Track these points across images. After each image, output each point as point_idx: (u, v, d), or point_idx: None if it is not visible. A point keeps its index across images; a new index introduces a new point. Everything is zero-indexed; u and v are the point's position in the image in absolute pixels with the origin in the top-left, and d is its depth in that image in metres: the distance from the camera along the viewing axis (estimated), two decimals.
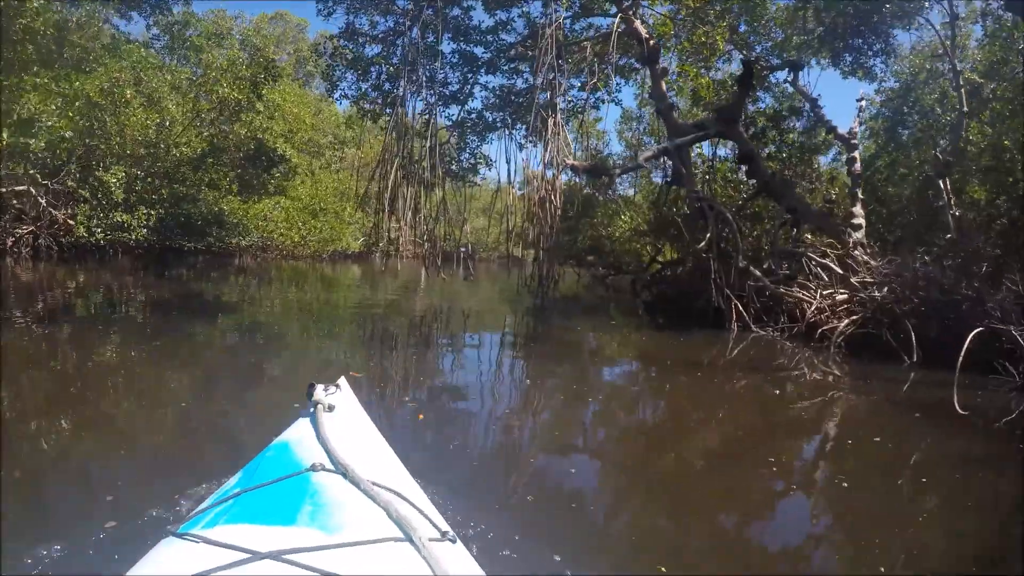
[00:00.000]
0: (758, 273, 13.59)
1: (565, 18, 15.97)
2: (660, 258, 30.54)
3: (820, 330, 10.79)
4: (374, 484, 1.78)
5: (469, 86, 17.65)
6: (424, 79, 14.93)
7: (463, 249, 14.64)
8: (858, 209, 15.44)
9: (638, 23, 15.91)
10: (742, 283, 13.07)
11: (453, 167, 17.25)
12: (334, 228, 30.26)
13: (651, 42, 15.52)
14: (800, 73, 18.34)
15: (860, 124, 18.48)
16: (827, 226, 15.07)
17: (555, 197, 14.12)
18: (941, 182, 15.55)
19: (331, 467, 1.86)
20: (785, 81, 19.42)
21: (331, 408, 2.38)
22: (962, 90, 17.20)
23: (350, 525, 1.58)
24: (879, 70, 18.50)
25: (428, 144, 14.23)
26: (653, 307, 17.47)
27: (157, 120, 20.37)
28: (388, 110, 17.08)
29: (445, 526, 1.77)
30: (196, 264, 22.56)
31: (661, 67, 17.00)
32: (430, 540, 1.56)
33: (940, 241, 14.22)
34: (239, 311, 12.26)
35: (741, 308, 12.47)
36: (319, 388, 2.53)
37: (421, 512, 1.80)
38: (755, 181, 17.24)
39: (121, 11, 18.85)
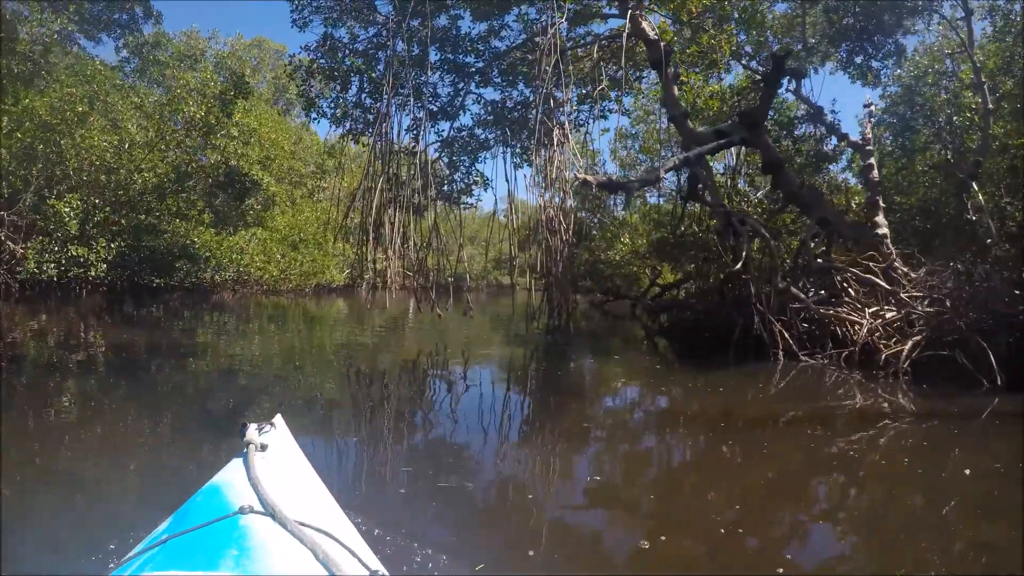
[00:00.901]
0: (800, 294, 12.11)
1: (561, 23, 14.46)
2: (660, 280, 29.30)
3: (883, 355, 9.71)
4: (302, 525, 1.80)
5: (460, 98, 16.01)
6: (411, 90, 13.23)
7: (458, 280, 12.79)
8: (881, 219, 14.19)
9: (646, 24, 14.38)
10: (782, 305, 11.77)
11: (445, 188, 15.49)
12: (316, 260, 28.33)
13: (661, 44, 13.94)
14: (802, 82, 17.15)
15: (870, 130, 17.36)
16: (864, 237, 13.82)
17: (564, 217, 12.46)
18: (974, 185, 14.15)
19: (260, 509, 1.85)
20: (787, 90, 18.14)
21: (264, 448, 2.34)
22: (984, 87, 15.83)
23: (275, 568, 1.61)
24: (888, 73, 17.93)
25: (417, 163, 12.55)
26: (670, 336, 15.81)
27: (116, 142, 18.49)
28: (370, 129, 15.46)
29: (376, 565, 1.82)
30: (169, 302, 20.63)
31: (672, 71, 15.49)
32: None
33: (970, 249, 12.92)
34: (208, 355, 10.57)
35: (785, 334, 11.06)
36: (251, 427, 2.48)
37: (350, 551, 1.83)
38: (781, 192, 15.80)
39: (88, 31, 17.19)
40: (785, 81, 18.58)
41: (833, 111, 17.82)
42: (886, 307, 10.92)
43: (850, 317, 10.94)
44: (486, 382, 9.40)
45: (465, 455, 5.36)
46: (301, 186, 32.91)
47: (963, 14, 16.17)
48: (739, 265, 12.30)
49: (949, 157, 17.13)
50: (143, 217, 20.18)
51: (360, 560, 1.79)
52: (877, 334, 10.35)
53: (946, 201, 16.74)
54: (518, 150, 17.21)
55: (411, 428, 6.36)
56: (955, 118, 17.76)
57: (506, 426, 6.61)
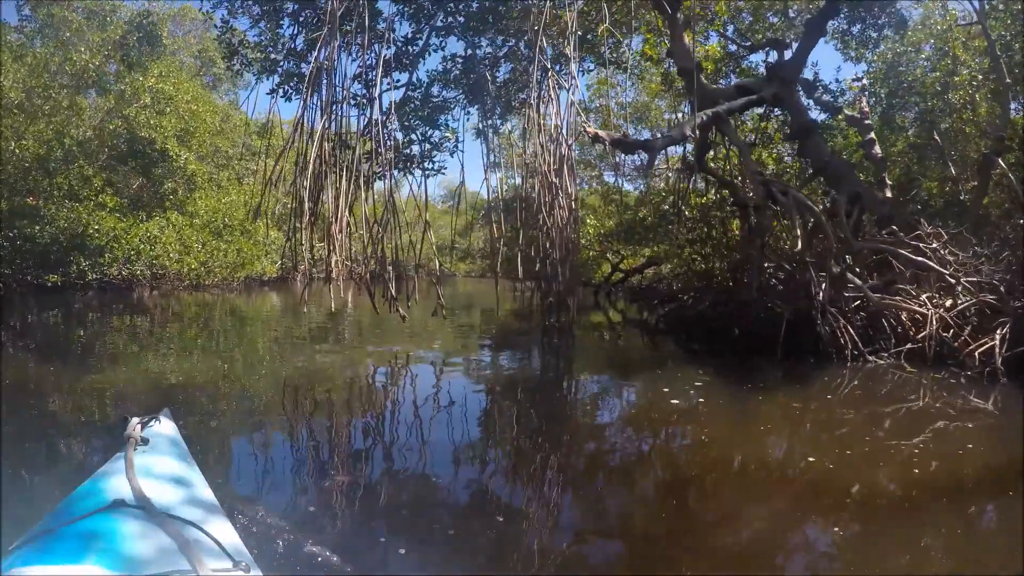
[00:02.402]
0: (857, 280, 10.28)
1: None
2: (623, 265, 27.02)
3: (965, 352, 8.52)
4: (171, 517, 1.88)
5: (420, 42, 12.84)
6: (359, 25, 10.01)
7: (405, 268, 9.49)
8: (889, 196, 13.12)
9: None
10: (836, 294, 9.96)
11: (406, 150, 12.25)
12: (245, 250, 24.64)
13: None
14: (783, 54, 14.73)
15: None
16: (897, 215, 12.18)
17: (570, 183, 9.57)
18: (1001, 162, 12.39)
19: (132, 502, 1.92)
20: (765, 63, 15.91)
21: (144, 441, 2.46)
22: (1000, 60, 14.20)
23: (139, 560, 1.65)
24: (884, 43, 16.56)
25: (371, 116, 9.41)
26: (677, 333, 13.20)
27: None
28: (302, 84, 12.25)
29: (243, 556, 1.87)
30: (75, 303, 16.92)
31: (682, 17, 12.74)
32: (216, 570, 1.67)
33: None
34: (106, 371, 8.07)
35: (850, 330, 9.36)
36: (132, 421, 2.58)
37: (217, 542, 1.88)
38: (809, 162, 13.36)
39: None
40: (764, 54, 16.68)
41: (825, 84, 15.53)
42: (943, 294, 9.69)
43: (913, 307, 9.48)
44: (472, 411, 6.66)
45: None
46: (227, 168, 28.99)
47: None
48: (797, 247, 9.91)
49: (936, 137, 15.80)
50: (27, 200, 16.40)
51: (226, 552, 1.85)
52: (944, 327, 9.12)
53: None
54: (488, 113, 14.16)
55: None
56: (948, 95, 15.65)
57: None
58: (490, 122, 14.36)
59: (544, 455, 5.21)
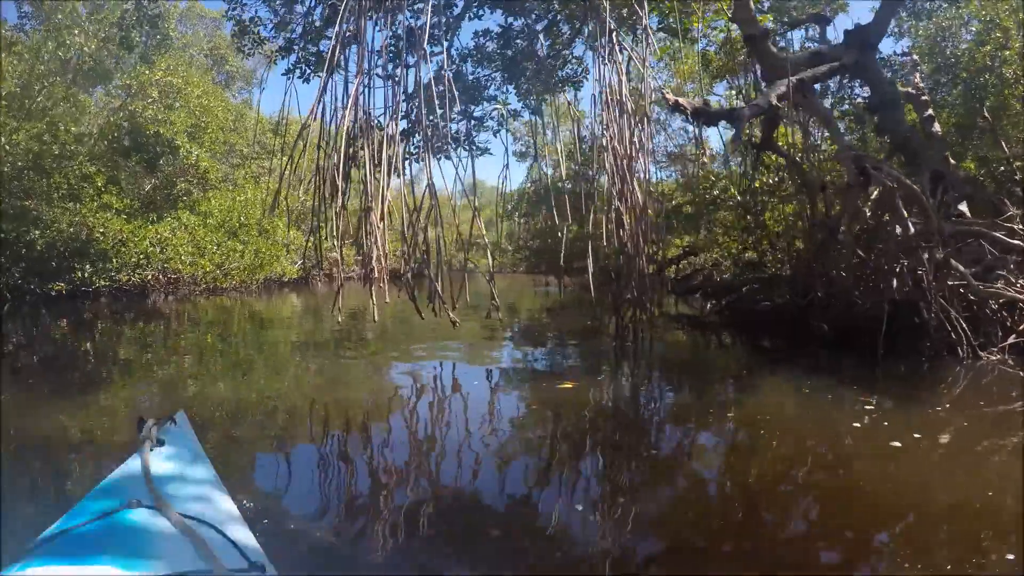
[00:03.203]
0: (960, 267, 8.98)
1: None
2: (657, 257, 25.35)
3: None
4: (186, 517, 1.88)
5: (452, 16, 11.41)
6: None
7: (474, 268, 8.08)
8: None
9: None
10: (939, 283, 8.81)
11: (451, 126, 10.65)
12: (263, 251, 23.31)
13: None
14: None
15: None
16: (981, 194, 11.42)
17: (644, 158, 8.14)
18: None
19: (148, 503, 1.93)
20: (807, 40, 15.07)
21: (160, 443, 2.47)
22: None
23: (155, 560, 1.65)
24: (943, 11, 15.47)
25: (404, 87, 7.97)
26: (749, 330, 11.82)
27: None
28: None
29: (258, 556, 1.85)
30: (84, 312, 15.68)
31: None
32: (232, 570, 1.68)
33: None
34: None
35: (962, 323, 8.39)
36: (148, 423, 2.57)
37: (232, 542, 1.89)
38: (888, 138, 11.88)
39: None
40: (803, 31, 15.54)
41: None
42: None
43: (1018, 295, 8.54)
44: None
45: None
46: (243, 167, 27.72)
47: None
48: (906, 232, 8.42)
49: (985, 115, 14.05)
50: (25, 202, 15.13)
51: (241, 552, 1.85)
52: None
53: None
54: (526, 93, 12.71)
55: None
56: (999, 69, 13.93)
57: None
58: (530, 101, 12.97)
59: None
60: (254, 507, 3.51)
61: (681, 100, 8.45)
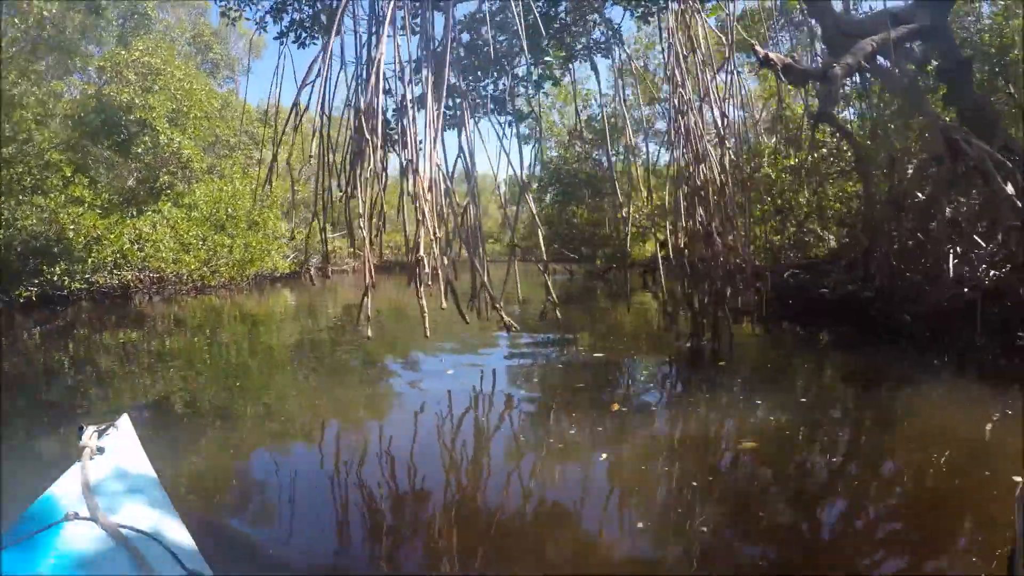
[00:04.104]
0: None
1: None
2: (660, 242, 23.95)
3: None
4: (123, 527, 1.88)
5: None
6: None
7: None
8: None
9: None
10: None
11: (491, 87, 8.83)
12: (252, 245, 21.59)
13: None
14: None
15: None
16: None
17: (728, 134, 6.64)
18: None
19: (86, 515, 1.91)
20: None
21: (100, 451, 2.38)
22: None
23: (92, 571, 1.69)
24: None
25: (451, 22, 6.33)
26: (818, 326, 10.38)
27: None
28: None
29: (197, 565, 1.90)
30: (63, 314, 14.12)
31: None
32: None
33: None
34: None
35: None
36: (88, 430, 2.49)
37: (170, 550, 1.88)
38: (956, 109, 10.47)
39: None
40: None
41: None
42: None
43: None
44: None
45: None
46: (230, 157, 25.98)
47: None
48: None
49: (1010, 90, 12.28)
50: None
51: (180, 562, 1.85)
52: None
53: None
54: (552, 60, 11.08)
55: None
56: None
57: None
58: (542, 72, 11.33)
59: None
60: (200, 514, 3.38)
61: (772, 55, 6.99)
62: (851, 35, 9.53)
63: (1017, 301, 7.95)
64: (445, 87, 5.61)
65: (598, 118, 21.40)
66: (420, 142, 5.24)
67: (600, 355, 8.62)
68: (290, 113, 6.10)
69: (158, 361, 9.29)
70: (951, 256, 8.88)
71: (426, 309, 5.01)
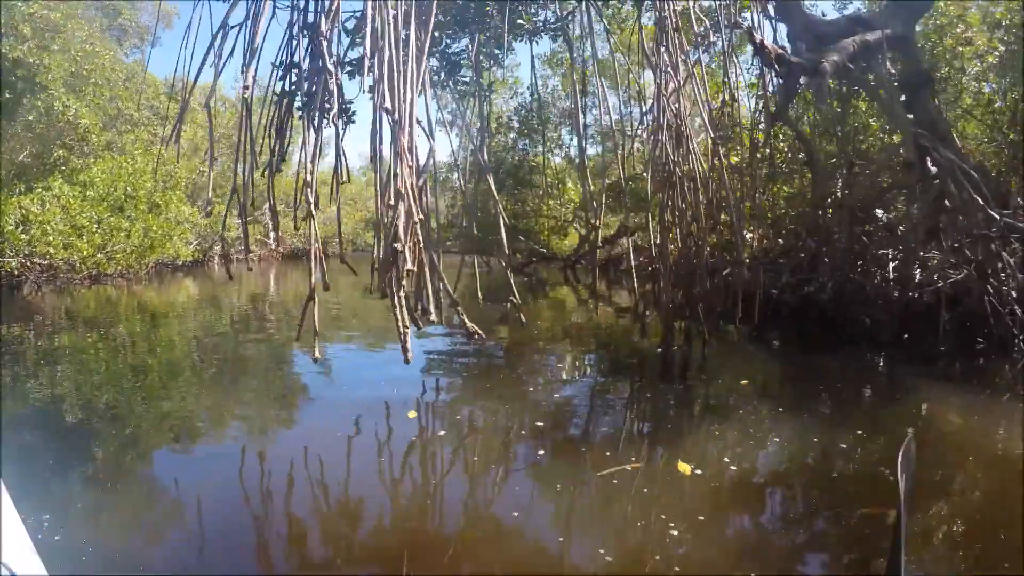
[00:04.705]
0: (1009, 259, 8.40)
1: None
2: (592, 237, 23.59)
3: None
4: None
5: None
6: None
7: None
8: None
9: None
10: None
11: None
12: (153, 229, 19.68)
13: None
14: None
15: None
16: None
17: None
18: None
19: None
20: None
21: None
22: None
23: None
24: None
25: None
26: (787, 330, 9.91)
27: None
28: None
29: None
30: None
31: None
32: None
33: None
34: None
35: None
36: None
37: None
38: (916, 120, 10.28)
39: None
40: None
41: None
42: None
43: None
44: None
45: None
46: (132, 133, 23.89)
47: None
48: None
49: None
50: None
51: None
52: None
53: None
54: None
55: None
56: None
57: None
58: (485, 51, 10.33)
59: None
60: (55, 535, 3.22)
61: (768, 43, 6.36)
62: (822, 36, 9.13)
63: (978, 306, 8.19)
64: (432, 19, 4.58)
65: (528, 107, 20.82)
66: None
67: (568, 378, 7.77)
68: (200, 68, 4.96)
69: (40, 364, 7.90)
70: (891, 261, 9.40)
71: (405, 323, 3.97)
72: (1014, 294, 8.19)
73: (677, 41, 6.28)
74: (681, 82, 6.34)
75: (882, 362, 8.09)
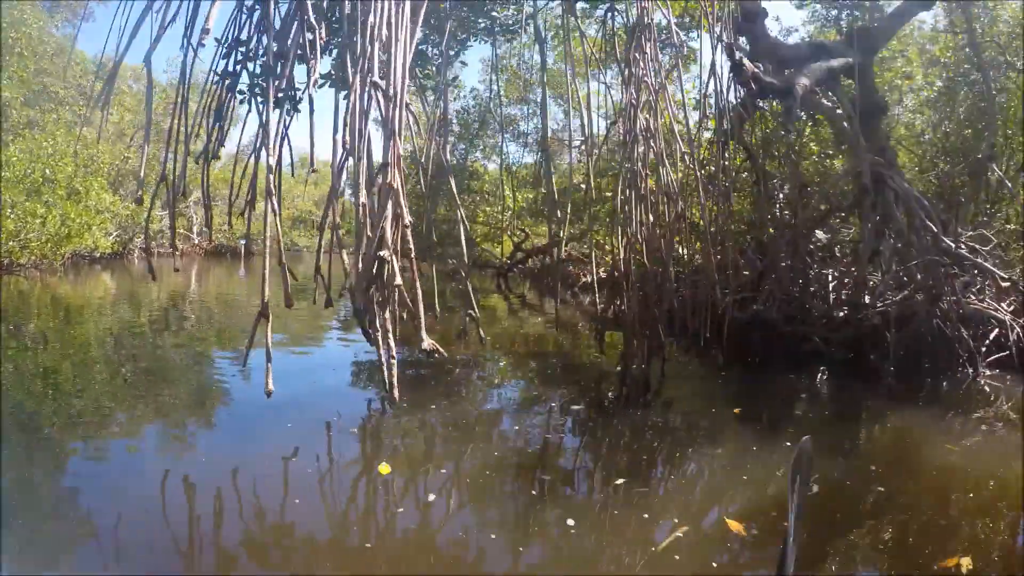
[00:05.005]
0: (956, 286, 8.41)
1: None
2: (525, 245, 23.45)
3: None
4: None
5: None
6: None
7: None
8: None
9: None
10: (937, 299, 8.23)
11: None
12: (72, 217, 18.40)
13: None
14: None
15: None
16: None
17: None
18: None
19: None
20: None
21: None
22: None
23: None
24: None
25: None
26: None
27: None
28: None
29: None
30: None
31: None
32: None
33: None
34: None
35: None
36: None
37: None
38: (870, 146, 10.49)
39: None
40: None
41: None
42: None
43: (995, 314, 8.32)
44: None
45: None
46: (55, 111, 22.51)
47: None
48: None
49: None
50: None
51: None
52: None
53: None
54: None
55: None
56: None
57: None
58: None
59: None
60: None
61: (746, 61, 6.18)
62: (783, 60, 9.09)
63: (926, 328, 8.22)
64: None
65: (471, 109, 20.71)
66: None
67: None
68: (135, 31, 4.37)
69: None
70: (831, 281, 9.48)
71: (392, 353, 3.40)
72: (957, 317, 8.28)
73: (651, 51, 6.03)
74: (655, 92, 6.07)
75: (829, 381, 8.09)
